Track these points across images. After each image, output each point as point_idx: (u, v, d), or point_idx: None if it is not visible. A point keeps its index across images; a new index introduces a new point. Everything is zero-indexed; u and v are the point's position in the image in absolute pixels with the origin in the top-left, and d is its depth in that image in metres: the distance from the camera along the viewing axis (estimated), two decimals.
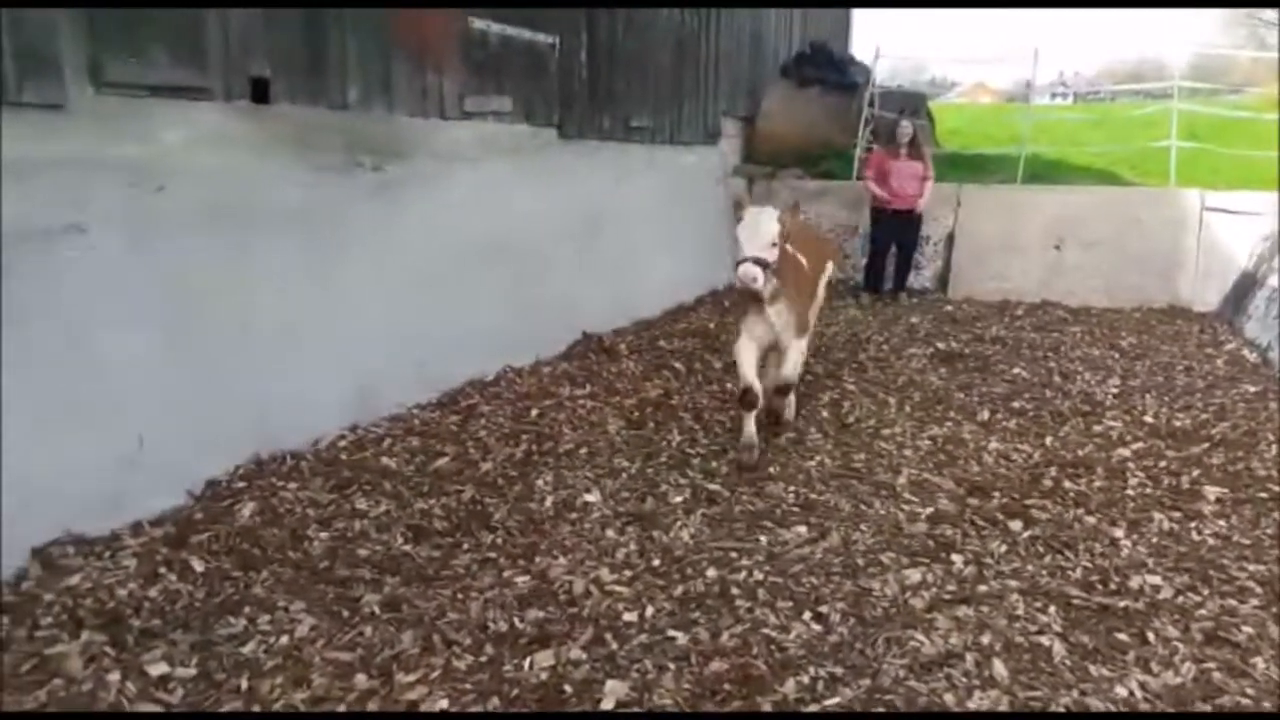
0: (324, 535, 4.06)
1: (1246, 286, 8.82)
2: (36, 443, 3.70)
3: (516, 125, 7.12)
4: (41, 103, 3.85)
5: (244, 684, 3.03)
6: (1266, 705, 3.02)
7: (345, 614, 3.46)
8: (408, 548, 3.98)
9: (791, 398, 5.64)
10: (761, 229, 4.67)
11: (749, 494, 4.63)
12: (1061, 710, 2.98)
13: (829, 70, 12.21)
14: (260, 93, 4.95)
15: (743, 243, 4.65)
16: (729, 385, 6.35)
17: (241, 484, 4.50)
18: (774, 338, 5.10)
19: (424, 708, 2.94)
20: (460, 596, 3.60)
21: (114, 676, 2.99)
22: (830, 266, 6.35)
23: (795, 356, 5.25)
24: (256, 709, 2.92)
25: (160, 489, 4.23)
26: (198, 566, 3.72)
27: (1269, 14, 37.68)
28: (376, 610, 3.48)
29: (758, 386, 5.04)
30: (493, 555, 3.94)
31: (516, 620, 3.43)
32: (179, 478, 4.35)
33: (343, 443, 5.08)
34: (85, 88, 4.07)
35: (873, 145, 11.29)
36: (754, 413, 5.06)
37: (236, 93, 4.82)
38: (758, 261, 4.59)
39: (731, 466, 4.97)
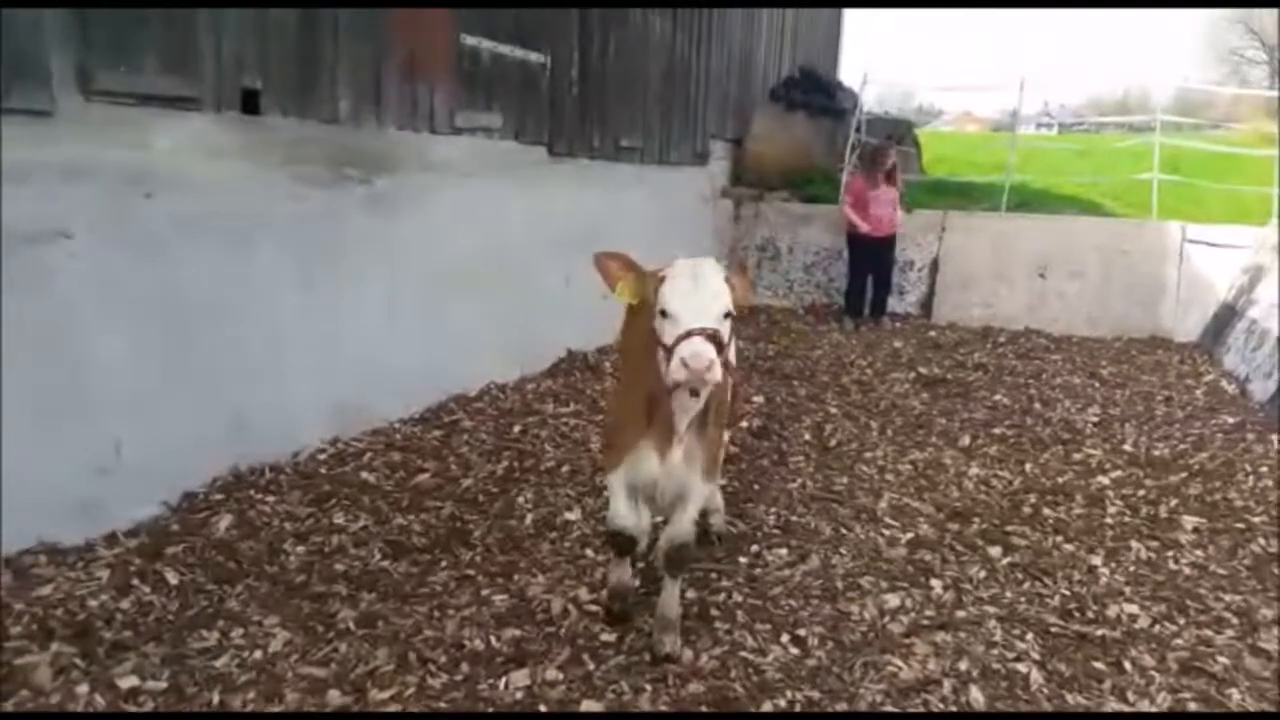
0: (300, 549, 4.03)
1: (1226, 318, 8.91)
2: (13, 449, 3.65)
3: (506, 142, 7.14)
4: (29, 109, 3.84)
5: (215, 698, 2.99)
6: None
7: (320, 629, 3.42)
8: (385, 564, 3.95)
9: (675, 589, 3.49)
10: (710, 288, 2.91)
11: (730, 515, 4.62)
12: None
13: (817, 95, 12.32)
14: (250, 104, 4.95)
15: (679, 311, 2.85)
16: None
17: (219, 496, 4.46)
18: (675, 485, 3.27)
19: None
20: (437, 614, 3.57)
21: (83, 689, 2.95)
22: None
23: (695, 507, 3.39)
24: None
25: (137, 499, 4.19)
26: (172, 579, 3.68)
27: (1251, 51, 38.36)
28: (352, 626, 3.45)
29: (637, 529, 3.40)
30: (471, 573, 3.91)
31: (493, 639, 3.41)
32: (156, 488, 4.31)
33: (322, 456, 5.05)
34: (74, 95, 4.06)
35: (856, 170, 11.38)
36: (628, 557, 3.59)
37: (226, 103, 4.81)
38: (711, 337, 2.80)
39: None
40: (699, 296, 2.88)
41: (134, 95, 4.31)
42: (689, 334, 2.79)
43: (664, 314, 2.89)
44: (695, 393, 2.91)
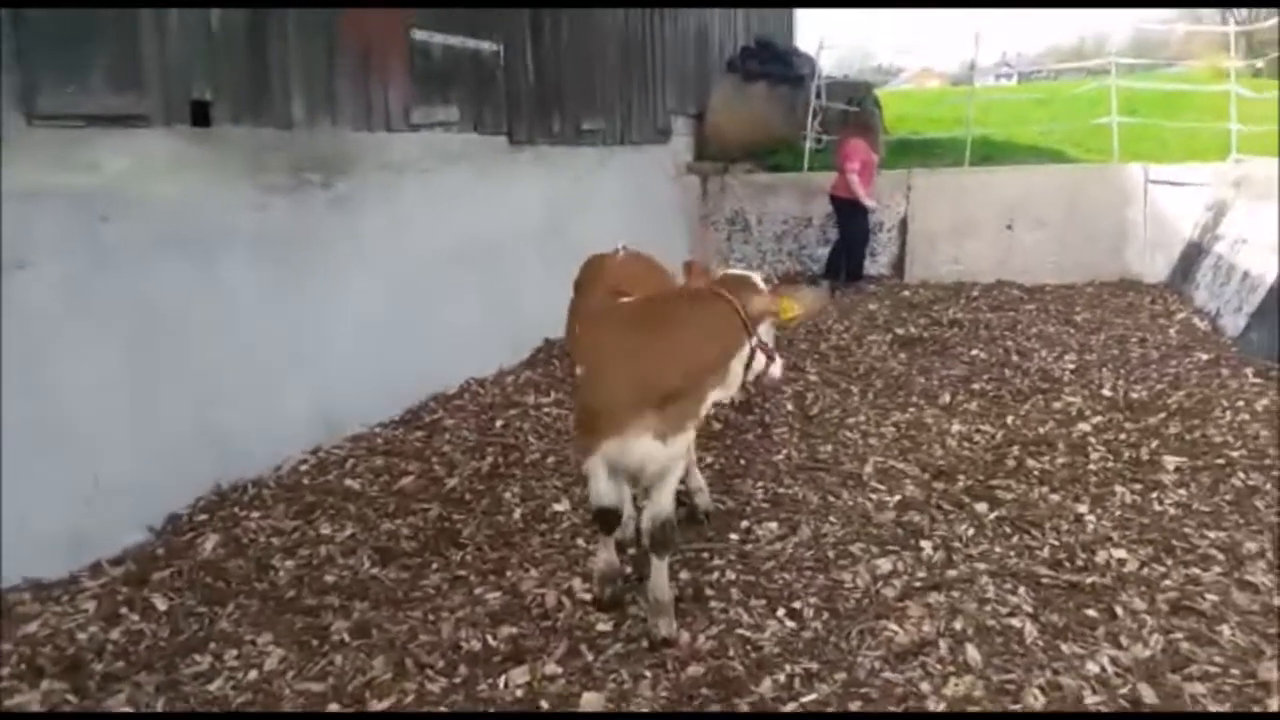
0: (289, 564, 3.99)
1: (1193, 256, 8.98)
2: None
3: (465, 134, 7.08)
4: None
5: None
6: (1235, 673, 3.06)
7: (314, 643, 3.40)
8: (375, 571, 3.92)
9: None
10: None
11: (718, 492, 4.62)
12: (1036, 690, 3.01)
13: (774, 64, 12.27)
14: (202, 116, 4.87)
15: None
16: None
17: (203, 516, 4.42)
18: (657, 466, 3.31)
19: None
20: (431, 617, 3.55)
21: None
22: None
23: (674, 482, 3.43)
24: None
25: (120, 526, 4.14)
26: (160, 605, 3.64)
27: None
28: (346, 637, 3.42)
29: (620, 504, 3.52)
30: (462, 573, 3.90)
31: (489, 638, 3.39)
32: (139, 513, 4.26)
33: (305, 466, 5.01)
34: (19, 121, 3.98)
35: (822, 137, 11.35)
36: (614, 534, 3.63)
37: (176, 117, 4.73)
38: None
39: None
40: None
41: (80, 116, 4.23)
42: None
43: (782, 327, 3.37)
44: None
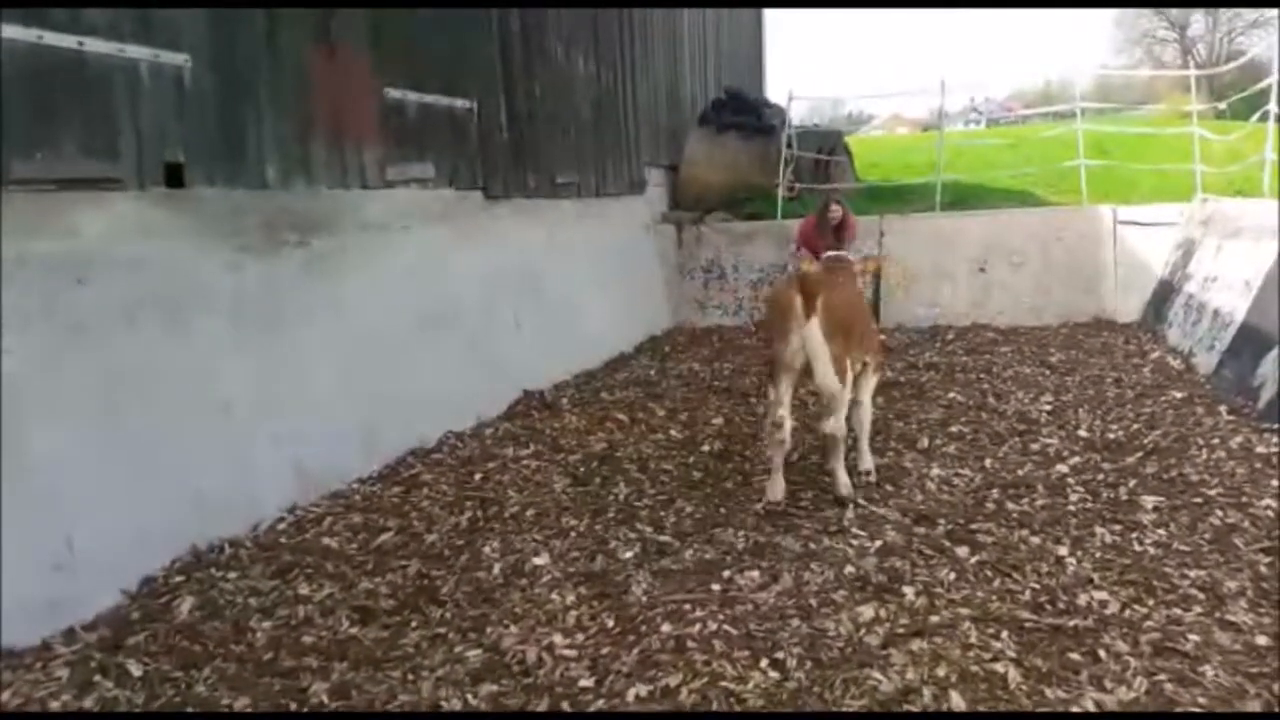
0: (267, 625, 3.93)
1: (1165, 295, 9.12)
2: None
3: (441, 190, 7.14)
4: None
5: None
6: (1219, 713, 3.05)
7: (293, 706, 3.34)
8: (354, 630, 3.87)
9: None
10: None
11: (699, 542, 4.60)
12: None
13: (746, 115, 12.50)
14: (175, 178, 4.89)
15: None
16: (672, 433, 6.42)
17: (179, 578, 4.36)
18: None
19: None
20: (411, 677, 3.50)
21: None
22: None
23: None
24: None
25: (94, 591, 4.07)
26: (135, 670, 3.57)
27: (1161, 31, 39.55)
28: (325, 699, 3.37)
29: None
30: (442, 631, 3.85)
31: (470, 697, 3.35)
32: (113, 577, 4.19)
33: (282, 525, 4.96)
34: None
35: (795, 185, 11.51)
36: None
37: (150, 180, 4.75)
38: None
39: (679, 516, 4.95)
40: None
41: (53, 181, 4.24)
42: None
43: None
44: None
